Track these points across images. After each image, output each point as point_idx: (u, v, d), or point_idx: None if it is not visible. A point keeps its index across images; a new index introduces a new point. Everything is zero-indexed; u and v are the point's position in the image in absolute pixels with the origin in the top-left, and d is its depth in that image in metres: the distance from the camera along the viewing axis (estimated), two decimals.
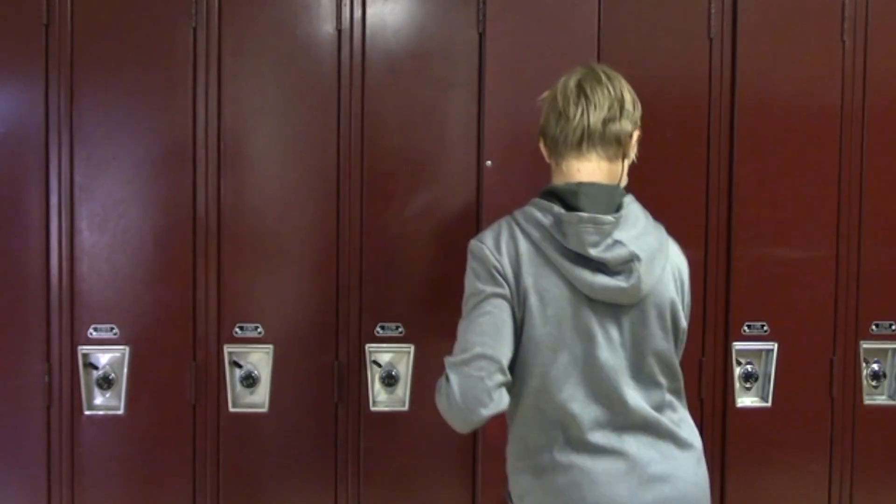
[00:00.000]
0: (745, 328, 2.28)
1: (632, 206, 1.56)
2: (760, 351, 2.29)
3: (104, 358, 2.21)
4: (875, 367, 2.32)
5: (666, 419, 1.54)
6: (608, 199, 1.52)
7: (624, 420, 1.51)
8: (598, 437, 1.50)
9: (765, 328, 2.28)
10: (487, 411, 1.43)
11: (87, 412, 2.21)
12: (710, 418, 2.27)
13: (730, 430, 2.28)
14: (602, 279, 1.48)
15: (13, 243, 2.19)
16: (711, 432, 2.26)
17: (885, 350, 2.32)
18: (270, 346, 2.22)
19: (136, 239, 2.20)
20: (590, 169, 1.55)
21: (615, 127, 1.55)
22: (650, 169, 2.22)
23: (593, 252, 1.47)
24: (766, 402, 2.28)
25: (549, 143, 1.59)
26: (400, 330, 2.22)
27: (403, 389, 2.23)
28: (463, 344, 1.48)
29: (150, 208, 2.21)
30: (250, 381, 2.22)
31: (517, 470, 1.59)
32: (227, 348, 2.22)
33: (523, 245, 1.51)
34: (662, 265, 1.55)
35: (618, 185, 1.58)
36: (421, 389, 2.20)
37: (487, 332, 1.47)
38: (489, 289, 1.49)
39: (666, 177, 2.25)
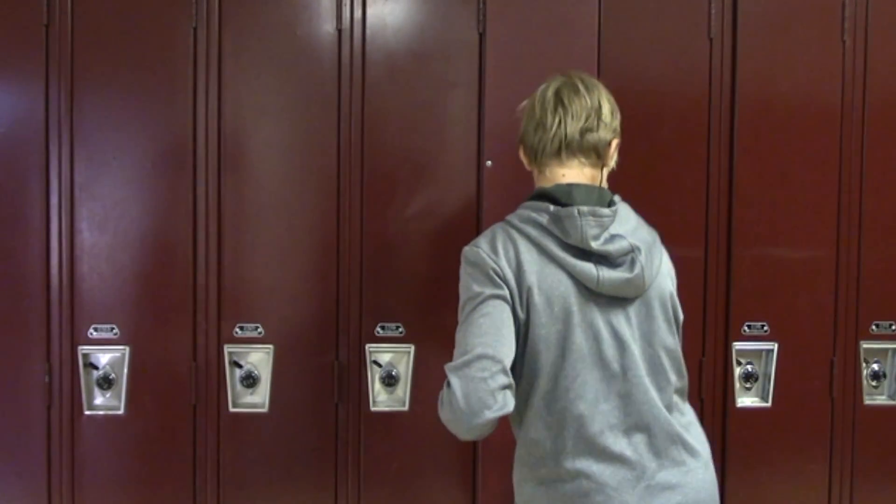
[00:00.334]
0: (746, 328, 2.27)
1: (621, 203, 1.58)
2: (760, 351, 2.28)
3: (104, 358, 2.21)
4: (875, 367, 2.32)
5: (675, 422, 1.53)
6: (599, 198, 1.53)
7: (635, 420, 1.50)
8: (608, 439, 1.48)
9: (765, 328, 2.28)
10: (492, 413, 1.38)
11: (87, 412, 2.21)
12: (710, 418, 2.27)
13: (730, 431, 2.28)
14: (606, 272, 1.48)
15: (13, 243, 2.19)
16: (711, 432, 2.24)
17: (885, 350, 2.32)
18: (270, 346, 2.22)
19: (137, 239, 2.20)
20: (574, 174, 1.57)
21: (593, 137, 1.56)
22: (650, 169, 2.25)
23: (595, 245, 1.47)
24: (767, 402, 2.28)
25: (529, 152, 1.61)
26: (400, 330, 2.22)
27: (403, 389, 2.23)
28: (463, 347, 1.44)
29: (151, 208, 2.21)
30: (250, 381, 2.22)
31: (523, 477, 1.57)
32: (227, 348, 2.22)
33: (523, 245, 1.50)
34: (659, 258, 1.56)
35: (604, 186, 1.59)
36: (421, 389, 2.20)
37: (488, 333, 1.44)
38: (488, 290, 1.47)
39: (666, 176, 2.26)
